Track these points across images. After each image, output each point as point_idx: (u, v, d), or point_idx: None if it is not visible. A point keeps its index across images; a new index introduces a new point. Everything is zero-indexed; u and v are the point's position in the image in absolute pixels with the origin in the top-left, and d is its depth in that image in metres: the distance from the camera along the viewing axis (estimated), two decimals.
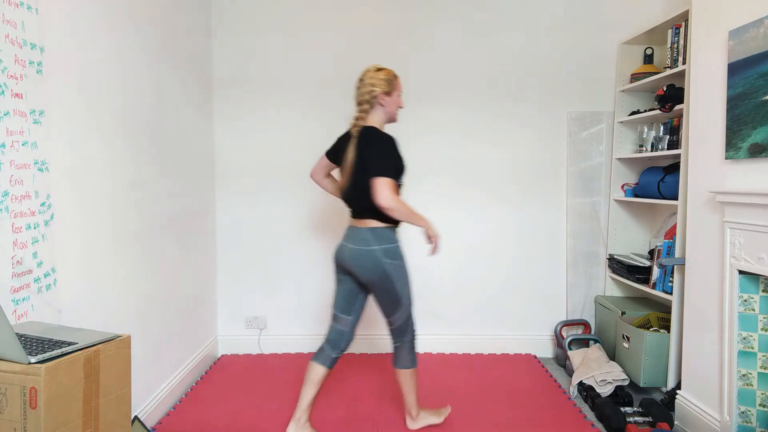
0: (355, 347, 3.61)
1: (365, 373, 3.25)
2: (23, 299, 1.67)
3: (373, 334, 3.61)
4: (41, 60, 1.76)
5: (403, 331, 2.39)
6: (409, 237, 3.54)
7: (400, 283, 2.30)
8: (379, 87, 2.28)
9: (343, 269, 2.40)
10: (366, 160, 2.22)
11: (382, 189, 2.13)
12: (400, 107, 2.40)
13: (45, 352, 1.30)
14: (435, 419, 2.58)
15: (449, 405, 2.76)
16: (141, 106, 2.50)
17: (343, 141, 2.40)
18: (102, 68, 2.16)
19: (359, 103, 2.31)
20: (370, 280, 2.28)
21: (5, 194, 1.59)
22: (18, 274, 1.64)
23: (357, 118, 2.31)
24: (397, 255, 2.29)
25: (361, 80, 2.32)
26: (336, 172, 2.50)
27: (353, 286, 2.40)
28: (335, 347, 2.42)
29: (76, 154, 1.98)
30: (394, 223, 2.32)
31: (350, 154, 2.28)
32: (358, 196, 2.28)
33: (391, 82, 2.32)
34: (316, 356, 2.42)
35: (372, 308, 3.62)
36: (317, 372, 2.40)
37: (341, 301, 2.42)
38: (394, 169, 2.21)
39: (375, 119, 2.33)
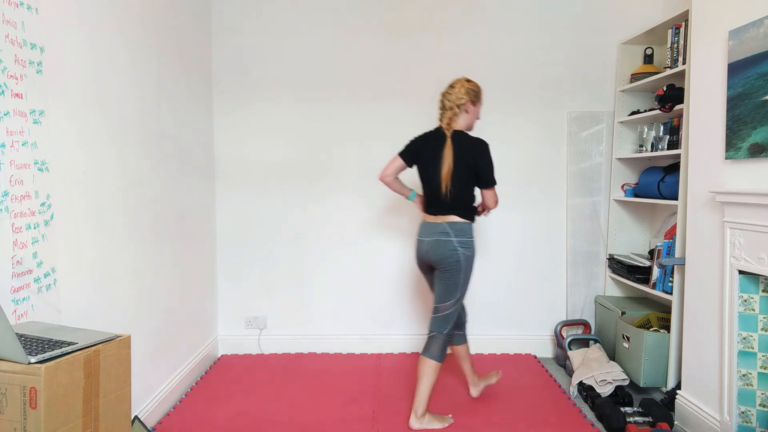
0: (354, 347, 3.61)
1: (365, 373, 3.25)
2: (23, 299, 1.67)
3: (371, 333, 3.61)
4: (41, 60, 1.76)
5: (446, 322, 2.55)
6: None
7: (465, 275, 2.51)
8: (467, 96, 2.53)
9: (425, 266, 2.64)
10: (476, 167, 2.48)
11: (494, 196, 2.57)
12: (478, 119, 2.65)
13: (45, 352, 1.30)
14: (438, 425, 2.57)
15: (452, 415, 2.69)
16: (141, 106, 2.50)
17: (424, 141, 2.58)
18: (102, 68, 2.16)
19: (449, 108, 2.54)
20: (443, 264, 2.49)
21: (5, 194, 1.59)
22: (18, 274, 1.64)
23: (449, 122, 2.53)
24: (471, 249, 2.52)
25: (452, 87, 2.57)
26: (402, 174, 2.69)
27: None
28: (460, 327, 2.76)
29: (76, 154, 1.98)
30: (472, 219, 2.56)
31: (448, 153, 2.47)
32: (446, 194, 2.49)
33: (478, 94, 2.59)
34: (451, 341, 2.76)
35: (376, 309, 3.62)
36: (461, 350, 2.80)
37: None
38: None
39: (461, 123, 2.55)
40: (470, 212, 2.55)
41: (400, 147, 2.65)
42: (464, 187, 2.50)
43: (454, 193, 2.47)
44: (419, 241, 2.60)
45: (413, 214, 3.57)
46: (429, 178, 2.54)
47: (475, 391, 2.87)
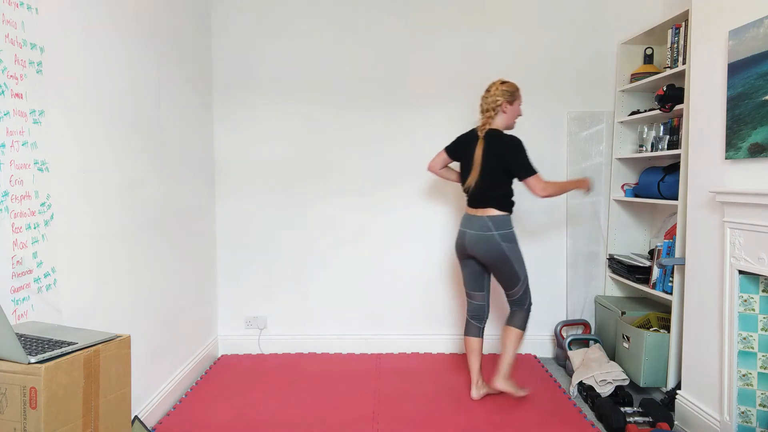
0: (354, 347, 3.61)
1: (365, 373, 3.25)
2: (23, 299, 1.67)
3: (371, 333, 3.61)
4: (41, 60, 1.76)
5: (523, 300, 2.81)
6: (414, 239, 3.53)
7: (517, 262, 2.72)
8: (503, 97, 2.72)
9: (464, 254, 2.83)
10: (507, 163, 2.66)
11: (536, 185, 2.63)
12: (519, 115, 2.83)
13: (45, 352, 1.30)
14: (513, 390, 2.78)
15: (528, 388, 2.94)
16: (141, 106, 2.50)
17: (464, 140, 2.84)
18: (102, 68, 2.16)
19: (486, 110, 2.75)
20: (492, 260, 2.71)
21: (5, 194, 1.59)
22: (18, 274, 1.64)
23: (484, 123, 2.76)
24: (512, 238, 2.71)
25: (488, 91, 2.76)
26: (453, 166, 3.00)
27: (478, 267, 2.84)
28: (479, 320, 2.90)
29: (76, 154, 1.98)
30: (509, 211, 2.74)
31: (478, 152, 2.70)
32: (482, 189, 2.71)
33: (513, 94, 2.75)
34: (468, 331, 2.91)
35: (376, 309, 3.62)
36: (473, 343, 2.88)
37: (471, 281, 2.87)
38: (533, 164, 2.68)
39: (498, 123, 2.75)
40: (507, 205, 2.72)
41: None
42: (498, 182, 2.69)
43: (487, 188, 2.70)
44: (461, 232, 2.81)
45: (413, 215, 3.57)
46: (466, 175, 2.79)
47: (476, 393, 2.87)
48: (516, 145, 2.67)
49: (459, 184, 3.58)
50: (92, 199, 2.09)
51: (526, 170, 2.65)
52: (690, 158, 2.53)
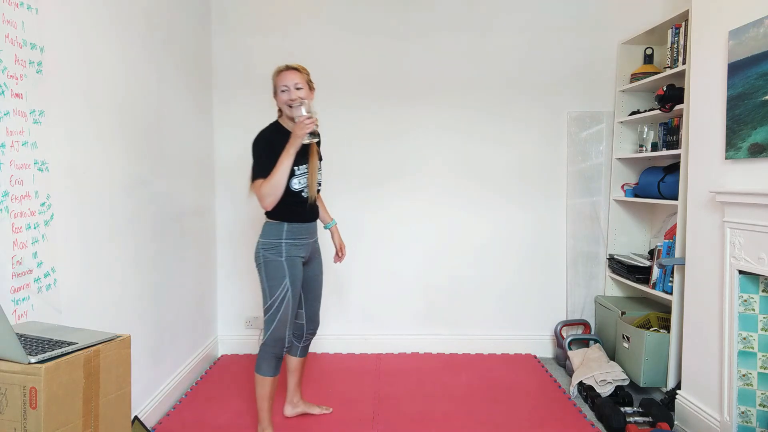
0: (354, 347, 3.60)
1: (365, 373, 3.25)
2: (23, 299, 1.67)
3: (371, 333, 3.61)
4: (41, 60, 1.76)
5: (265, 326, 2.30)
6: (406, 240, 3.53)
7: (267, 279, 2.27)
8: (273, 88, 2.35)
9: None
10: None
11: (255, 190, 2.29)
12: (289, 105, 2.29)
13: (45, 352, 1.30)
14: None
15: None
16: (141, 106, 2.50)
17: None
18: (102, 68, 2.16)
19: None
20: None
21: (5, 194, 1.59)
22: (18, 274, 1.64)
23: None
24: (272, 249, 2.28)
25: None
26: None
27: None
28: (297, 338, 2.57)
29: (76, 154, 1.98)
30: (277, 218, 2.32)
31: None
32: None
33: (273, 81, 2.32)
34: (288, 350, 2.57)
35: (376, 309, 3.62)
36: (293, 362, 2.61)
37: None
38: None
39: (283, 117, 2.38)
40: (272, 211, 2.30)
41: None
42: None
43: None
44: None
45: (414, 215, 3.57)
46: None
47: (290, 411, 2.64)
48: (253, 141, 2.35)
49: (460, 185, 3.60)
50: (92, 199, 2.09)
51: (252, 173, 2.30)
52: (690, 158, 2.53)
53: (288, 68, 2.32)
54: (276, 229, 2.30)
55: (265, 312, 2.29)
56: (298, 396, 2.67)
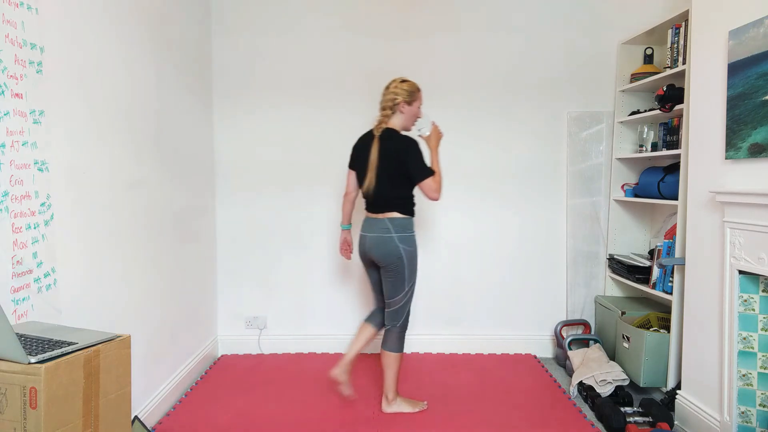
0: None
1: (365, 373, 3.25)
2: (23, 299, 1.67)
3: None
4: (41, 60, 1.76)
5: (397, 315, 2.63)
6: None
7: (409, 269, 2.57)
8: (401, 96, 2.58)
9: (368, 261, 2.69)
10: (404, 165, 2.50)
11: (430, 187, 2.50)
12: (419, 117, 2.68)
13: (45, 352, 1.30)
14: (409, 408, 2.71)
15: (427, 402, 2.82)
16: (141, 106, 2.50)
17: (360, 145, 2.67)
18: (102, 68, 2.16)
19: (382, 108, 2.61)
20: (386, 262, 2.55)
21: (5, 194, 1.59)
22: (18, 274, 1.64)
23: (379, 123, 2.61)
24: (411, 243, 2.57)
25: (386, 88, 2.62)
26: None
27: (378, 277, 2.70)
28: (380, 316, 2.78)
29: (76, 154, 1.98)
30: (411, 214, 2.61)
31: (374, 152, 2.53)
32: (380, 191, 2.55)
33: (413, 94, 2.61)
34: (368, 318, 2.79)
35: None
36: (366, 331, 2.75)
37: (378, 293, 2.75)
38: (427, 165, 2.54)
39: (395, 123, 2.61)
40: (409, 208, 2.59)
41: None
42: (398, 184, 2.54)
43: (385, 190, 2.55)
44: (362, 236, 2.66)
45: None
46: (362, 178, 2.61)
47: (338, 372, 2.70)
48: (413, 146, 2.51)
49: (460, 185, 3.60)
50: (92, 199, 2.09)
51: (420, 173, 2.50)
52: (690, 158, 2.53)
53: None
54: (411, 223, 2.60)
55: (402, 298, 2.60)
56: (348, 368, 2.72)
